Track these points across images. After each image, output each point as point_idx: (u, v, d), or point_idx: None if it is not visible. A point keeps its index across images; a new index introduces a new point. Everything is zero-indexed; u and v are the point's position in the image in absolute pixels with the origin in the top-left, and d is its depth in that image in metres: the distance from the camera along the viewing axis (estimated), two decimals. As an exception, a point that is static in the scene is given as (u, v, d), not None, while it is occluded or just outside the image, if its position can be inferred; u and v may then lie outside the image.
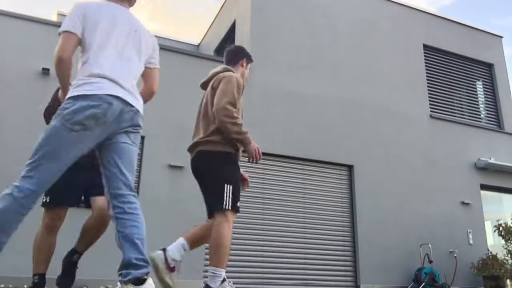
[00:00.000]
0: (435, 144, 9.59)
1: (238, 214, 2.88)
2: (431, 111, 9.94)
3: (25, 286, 5.49)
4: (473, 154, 9.88)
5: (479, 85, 11.23)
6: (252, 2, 8.82)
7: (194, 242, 2.86)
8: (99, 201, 2.99)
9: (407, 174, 8.99)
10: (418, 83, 10.01)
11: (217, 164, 2.82)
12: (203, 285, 2.76)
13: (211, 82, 3.10)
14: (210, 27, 11.82)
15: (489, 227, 9.55)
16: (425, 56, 10.43)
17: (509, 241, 8.57)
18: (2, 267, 5.84)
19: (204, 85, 3.28)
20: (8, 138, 6.44)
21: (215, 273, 2.68)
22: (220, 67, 3.28)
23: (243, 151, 3.00)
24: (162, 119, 7.45)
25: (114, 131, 2.29)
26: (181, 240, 2.80)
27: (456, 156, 9.69)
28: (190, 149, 2.99)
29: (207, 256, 7.00)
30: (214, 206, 2.78)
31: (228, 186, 2.76)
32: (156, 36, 12.10)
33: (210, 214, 2.92)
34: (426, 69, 10.32)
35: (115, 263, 6.07)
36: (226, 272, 2.74)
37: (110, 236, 6.79)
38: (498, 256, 8.47)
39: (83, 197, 3.19)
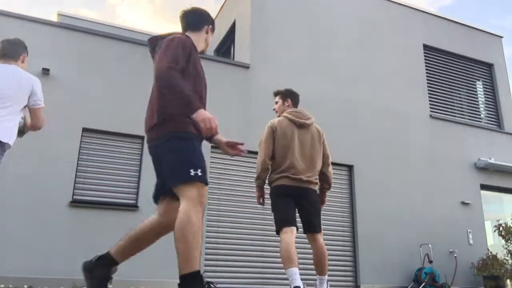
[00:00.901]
0: (435, 144, 9.58)
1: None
2: (431, 111, 9.93)
3: (25, 286, 5.49)
4: (473, 154, 9.87)
5: (479, 85, 11.23)
6: (252, 2, 8.81)
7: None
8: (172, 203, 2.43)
9: (407, 174, 8.98)
10: (418, 83, 10.00)
11: (318, 200, 3.86)
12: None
13: (318, 131, 3.95)
14: (210, 27, 11.81)
15: (489, 227, 9.54)
16: (425, 56, 10.42)
17: (509, 241, 8.57)
18: (2, 267, 5.84)
19: (305, 126, 3.88)
20: (8, 138, 6.44)
21: (322, 280, 3.66)
22: (309, 114, 4.02)
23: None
24: (162, 119, 7.44)
25: None
26: None
27: (456, 156, 9.69)
28: (302, 181, 3.68)
29: (207, 256, 7.00)
30: (318, 226, 3.70)
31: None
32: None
33: (309, 230, 3.72)
34: (426, 69, 10.31)
35: (115, 263, 6.03)
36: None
37: (110, 237, 6.77)
38: (498, 256, 8.47)
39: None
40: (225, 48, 10.59)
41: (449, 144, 9.73)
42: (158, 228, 2.48)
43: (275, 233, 3.69)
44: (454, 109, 10.51)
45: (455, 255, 8.57)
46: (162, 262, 6.61)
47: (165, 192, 2.42)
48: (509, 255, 8.54)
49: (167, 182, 2.34)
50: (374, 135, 8.99)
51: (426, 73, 10.27)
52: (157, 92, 2.40)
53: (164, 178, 2.39)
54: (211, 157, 7.54)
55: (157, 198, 2.51)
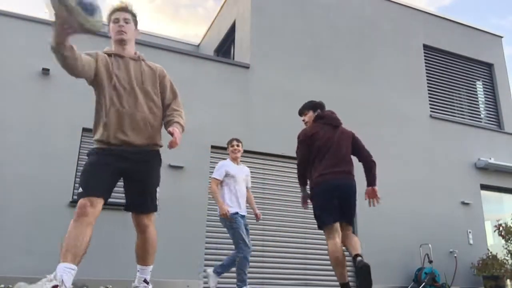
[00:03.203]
0: (435, 144, 9.58)
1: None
2: (431, 111, 9.93)
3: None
4: (473, 154, 9.87)
5: (479, 85, 11.23)
6: (252, 2, 8.82)
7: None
8: None
9: (407, 174, 8.98)
10: (418, 83, 10.00)
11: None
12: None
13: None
14: (210, 27, 11.83)
15: (489, 227, 9.54)
16: (425, 56, 10.42)
17: (509, 241, 8.57)
18: (2, 267, 5.84)
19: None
20: (8, 138, 6.44)
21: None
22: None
23: None
24: (162, 119, 7.44)
25: None
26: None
27: (456, 156, 9.69)
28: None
29: (207, 256, 7.00)
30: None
31: None
32: (156, 36, 12.18)
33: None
34: (426, 69, 10.31)
35: (115, 264, 6.07)
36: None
37: (110, 237, 6.73)
38: (498, 256, 8.47)
39: None
40: (225, 48, 10.59)
41: (449, 144, 9.73)
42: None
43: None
44: (454, 109, 10.51)
45: (455, 255, 8.57)
46: (162, 262, 6.61)
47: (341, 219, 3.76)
48: (509, 255, 8.54)
49: (347, 216, 3.73)
50: (374, 135, 8.98)
51: (426, 73, 10.27)
52: (370, 167, 4.15)
53: (346, 211, 3.73)
54: (211, 157, 7.54)
55: (335, 221, 3.76)
